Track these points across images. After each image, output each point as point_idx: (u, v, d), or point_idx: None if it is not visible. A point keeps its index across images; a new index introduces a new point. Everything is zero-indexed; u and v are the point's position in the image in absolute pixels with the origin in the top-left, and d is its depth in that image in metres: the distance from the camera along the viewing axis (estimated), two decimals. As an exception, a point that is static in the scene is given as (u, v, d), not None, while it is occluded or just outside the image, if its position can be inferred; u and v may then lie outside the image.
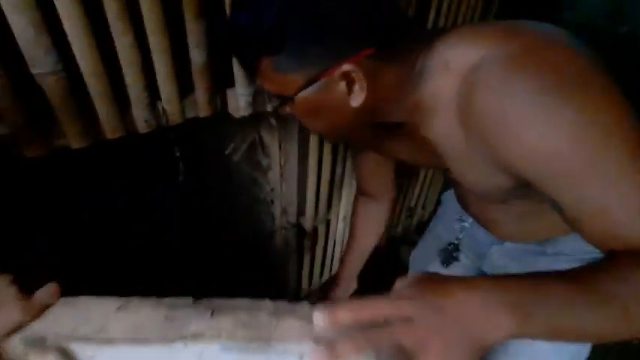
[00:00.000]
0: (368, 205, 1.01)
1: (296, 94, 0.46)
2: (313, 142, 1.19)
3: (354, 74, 0.44)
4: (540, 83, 0.37)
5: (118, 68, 0.67)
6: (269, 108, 0.96)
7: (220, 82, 0.87)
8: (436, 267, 0.92)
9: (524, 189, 0.47)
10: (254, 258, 1.40)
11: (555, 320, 0.34)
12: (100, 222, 0.83)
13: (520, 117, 0.38)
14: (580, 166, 0.38)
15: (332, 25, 0.41)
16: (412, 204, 1.93)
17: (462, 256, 0.88)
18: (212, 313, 0.42)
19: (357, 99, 0.46)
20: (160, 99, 0.77)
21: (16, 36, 0.52)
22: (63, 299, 0.44)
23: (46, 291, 0.43)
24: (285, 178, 1.24)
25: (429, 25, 1.27)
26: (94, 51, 0.61)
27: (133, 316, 0.43)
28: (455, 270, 0.88)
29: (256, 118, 1.08)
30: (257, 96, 0.92)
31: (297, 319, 0.43)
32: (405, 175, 1.72)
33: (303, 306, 0.45)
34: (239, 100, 0.90)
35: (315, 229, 1.44)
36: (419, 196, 1.90)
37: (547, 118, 0.37)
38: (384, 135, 0.60)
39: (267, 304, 0.45)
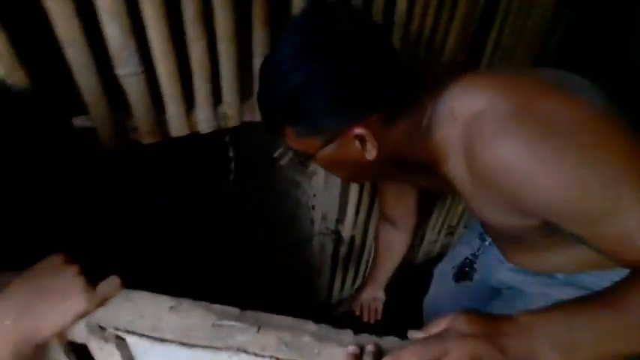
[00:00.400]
0: (389, 232, 1.02)
1: (316, 152, 0.51)
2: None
3: (365, 135, 0.49)
4: (539, 133, 0.39)
5: (189, 72, 0.71)
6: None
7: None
8: (447, 280, 0.91)
9: (539, 227, 0.50)
10: (290, 260, 1.42)
11: (598, 347, 0.37)
12: (150, 219, 0.87)
13: (526, 170, 0.40)
14: (593, 204, 0.39)
15: (343, 98, 0.47)
16: (454, 222, 1.86)
17: (475, 276, 0.85)
18: (258, 329, 0.43)
19: (371, 154, 0.51)
20: (221, 102, 0.80)
21: (108, 41, 0.57)
22: (122, 292, 0.47)
23: (109, 283, 0.46)
24: (328, 184, 1.24)
25: (491, 43, 1.22)
26: (171, 56, 0.64)
27: (184, 319, 0.45)
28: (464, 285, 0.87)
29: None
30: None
31: (339, 346, 0.43)
32: (440, 195, 1.66)
33: (347, 333, 0.44)
34: (295, 108, 0.91)
35: (352, 238, 1.43)
36: (462, 214, 1.83)
37: (551, 167, 0.39)
38: (405, 169, 0.62)
39: (311, 326, 0.45)
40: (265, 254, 1.30)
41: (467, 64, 1.22)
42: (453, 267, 0.91)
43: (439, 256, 1.93)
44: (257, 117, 0.88)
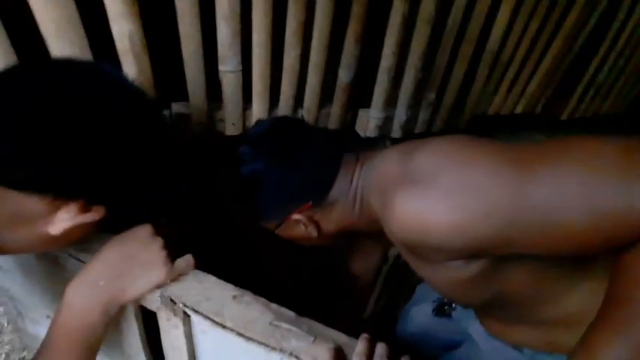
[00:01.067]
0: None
1: (275, 229, 0.61)
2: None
3: (301, 220, 0.57)
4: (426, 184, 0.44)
5: (279, 75, 0.75)
6: (396, 133, 0.96)
7: (356, 101, 0.90)
8: (426, 311, 0.86)
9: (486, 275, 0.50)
10: (331, 268, 1.43)
11: None
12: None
13: (438, 224, 0.43)
14: (506, 219, 0.40)
15: (279, 197, 0.56)
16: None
17: (454, 314, 0.80)
18: (314, 339, 0.44)
19: (313, 233, 0.59)
20: (301, 107, 0.84)
21: (218, 39, 0.62)
22: (194, 272, 0.51)
23: (185, 261, 0.50)
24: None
25: (584, 81, 1.13)
26: (267, 59, 0.68)
27: (244, 310, 0.47)
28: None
29: (375, 138, 1.10)
30: (387, 121, 0.93)
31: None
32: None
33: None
34: (369, 122, 0.92)
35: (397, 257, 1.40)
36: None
37: (460, 215, 0.42)
38: (364, 235, 0.67)
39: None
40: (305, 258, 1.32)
41: (553, 101, 1.15)
42: (434, 301, 0.87)
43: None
44: (332, 125, 0.91)
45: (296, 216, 0.57)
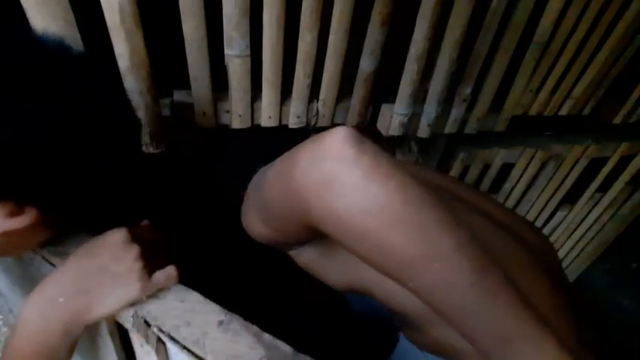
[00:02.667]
0: None
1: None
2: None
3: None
4: None
5: (292, 62, 0.66)
6: (422, 133, 0.85)
7: (378, 92, 0.80)
8: None
9: None
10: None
11: None
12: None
13: None
14: None
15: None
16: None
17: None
18: (312, 388, 0.35)
19: None
20: (317, 99, 0.74)
21: (224, 16, 0.54)
22: (176, 287, 0.43)
23: (166, 274, 0.42)
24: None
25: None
26: (280, 42, 0.60)
27: (230, 342, 0.39)
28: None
29: (399, 137, 0.99)
30: (413, 118, 0.82)
31: None
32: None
33: None
34: (393, 118, 0.81)
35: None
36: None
37: None
38: None
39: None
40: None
41: (604, 102, 1.01)
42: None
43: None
44: (349, 121, 0.81)
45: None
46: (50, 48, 0.38)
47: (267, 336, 0.40)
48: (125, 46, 0.52)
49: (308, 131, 0.81)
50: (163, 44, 0.57)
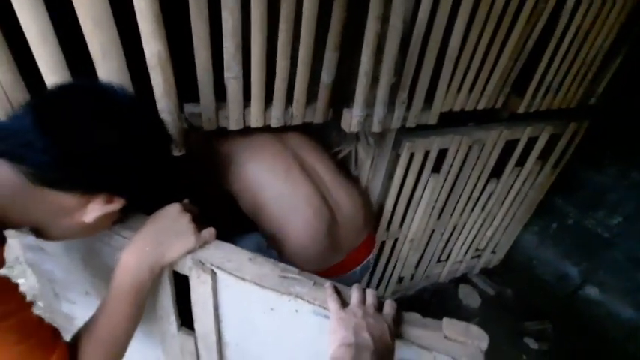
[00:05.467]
0: None
1: None
2: (401, 166, 1.30)
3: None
4: None
5: (272, 77, 0.88)
6: (375, 129, 1.10)
7: (341, 100, 1.04)
8: None
9: None
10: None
11: None
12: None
13: None
14: None
15: None
16: (481, 245, 1.92)
17: None
18: (314, 283, 0.58)
19: None
20: (291, 104, 0.97)
21: (224, 49, 0.76)
22: (215, 241, 0.64)
23: (209, 231, 0.63)
24: (369, 190, 1.37)
25: (535, 80, 1.30)
26: (264, 64, 0.82)
27: (258, 268, 0.61)
28: None
29: (358, 134, 1.24)
30: (367, 118, 1.07)
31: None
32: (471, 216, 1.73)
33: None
34: (353, 119, 1.06)
35: (382, 243, 1.55)
36: (491, 238, 1.89)
37: None
38: None
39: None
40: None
41: (509, 98, 1.31)
42: None
43: (463, 277, 2.00)
44: (317, 120, 1.05)
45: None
46: (116, 91, 0.55)
47: (280, 263, 0.62)
48: (160, 78, 0.72)
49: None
50: (182, 72, 0.78)
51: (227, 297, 0.64)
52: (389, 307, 0.57)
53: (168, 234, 0.60)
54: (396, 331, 0.54)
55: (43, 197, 0.49)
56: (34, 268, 0.81)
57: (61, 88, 0.53)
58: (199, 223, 0.64)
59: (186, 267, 0.62)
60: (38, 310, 0.53)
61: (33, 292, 1.39)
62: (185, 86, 0.81)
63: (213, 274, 0.61)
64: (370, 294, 0.59)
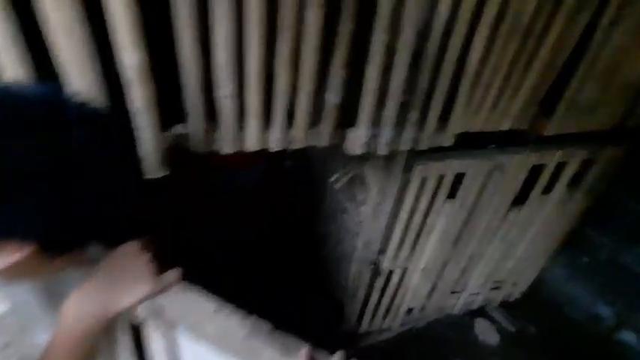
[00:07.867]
0: None
1: None
2: (412, 190, 1.18)
3: None
4: None
5: (270, 96, 0.80)
6: (381, 151, 1.00)
7: (344, 121, 0.94)
8: None
9: None
10: (327, 279, 1.44)
11: None
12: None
13: None
14: None
15: None
16: (501, 277, 1.75)
17: None
18: (286, 348, 0.47)
19: None
20: (292, 126, 0.88)
21: (217, 67, 0.68)
22: (182, 286, 0.55)
23: (173, 274, 0.54)
24: (376, 215, 1.26)
25: (566, 100, 1.16)
26: (262, 84, 0.74)
27: (223, 325, 0.51)
28: None
29: (364, 155, 1.14)
30: (372, 139, 0.97)
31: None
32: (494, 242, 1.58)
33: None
34: (357, 140, 0.96)
35: (390, 272, 1.43)
36: (512, 269, 1.72)
37: None
38: None
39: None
40: (305, 266, 1.35)
41: (536, 119, 1.18)
42: None
43: (480, 310, 1.83)
44: (321, 143, 0.95)
45: None
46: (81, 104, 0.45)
47: (250, 319, 0.52)
48: (139, 93, 0.65)
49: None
50: (164, 89, 0.70)
51: (186, 355, 0.54)
52: None
53: (122, 277, 0.50)
54: None
55: None
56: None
57: None
58: (165, 263, 0.55)
59: (140, 317, 0.53)
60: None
61: None
62: (168, 100, 0.73)
63: (171, 328, 0.51)
64: None
